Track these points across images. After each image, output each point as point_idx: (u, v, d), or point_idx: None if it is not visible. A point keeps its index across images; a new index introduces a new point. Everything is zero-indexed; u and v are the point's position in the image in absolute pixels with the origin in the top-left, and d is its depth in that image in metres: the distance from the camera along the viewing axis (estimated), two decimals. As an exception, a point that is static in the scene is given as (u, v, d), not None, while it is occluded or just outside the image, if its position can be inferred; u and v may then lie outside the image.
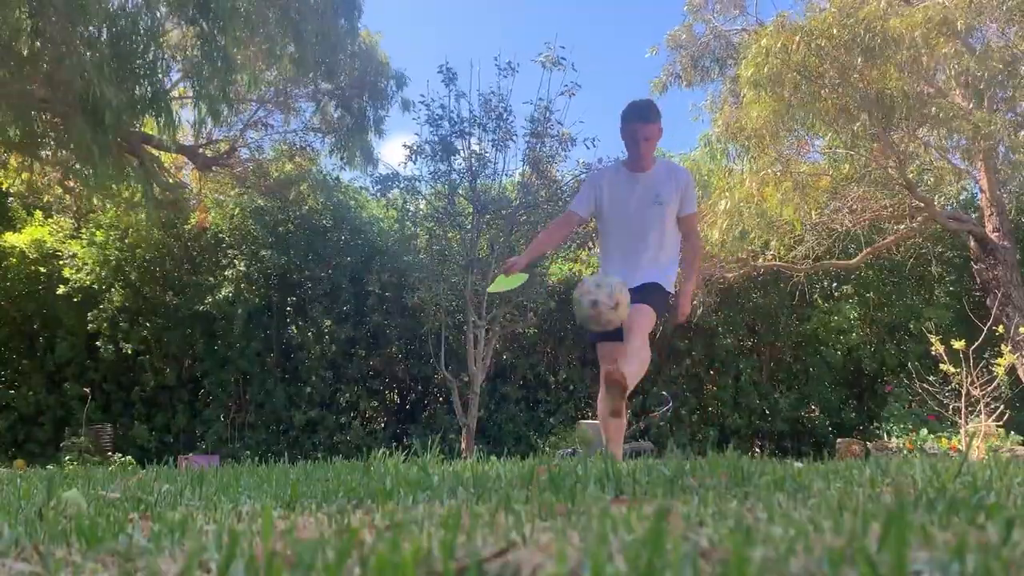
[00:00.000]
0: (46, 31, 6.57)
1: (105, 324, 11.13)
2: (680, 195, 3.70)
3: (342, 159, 11.04)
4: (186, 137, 11.09)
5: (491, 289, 3.58)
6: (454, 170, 10.26)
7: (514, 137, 10.06)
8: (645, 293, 3.59)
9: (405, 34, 30.23)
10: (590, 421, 9.06)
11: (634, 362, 3.39)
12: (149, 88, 7.33)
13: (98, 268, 11.17)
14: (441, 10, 30.68)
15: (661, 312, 3.71)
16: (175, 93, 9.37)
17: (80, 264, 11.21)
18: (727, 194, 9.42)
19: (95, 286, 11.17)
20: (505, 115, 9.92)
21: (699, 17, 12.25)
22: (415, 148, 10.14)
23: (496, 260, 9.60)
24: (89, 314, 11.06)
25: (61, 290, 11.03)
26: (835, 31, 7.96)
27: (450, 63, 9.90)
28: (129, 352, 11.29)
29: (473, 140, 10.10)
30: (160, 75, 7.56)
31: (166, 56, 7.60)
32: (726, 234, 9.27)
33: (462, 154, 10.12)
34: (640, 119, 3.62)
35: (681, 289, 3.80)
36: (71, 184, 10.51)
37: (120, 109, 6.75)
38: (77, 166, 8.36)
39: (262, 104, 10.89)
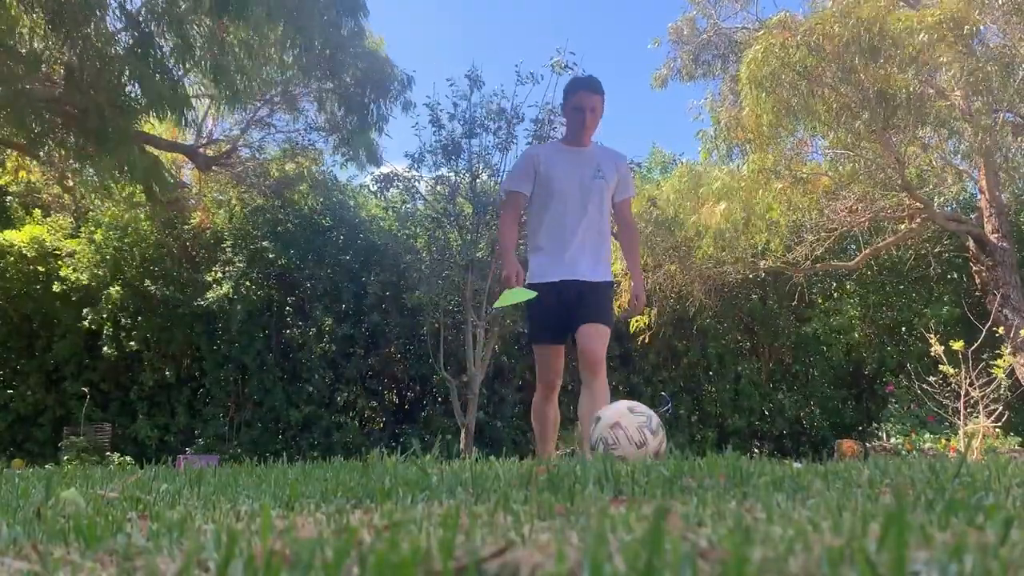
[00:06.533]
0: (63, 27, 6.60)
1: (107, 324, 11.13)
2: (617, 176, 3.60)
3: (345, 157, 11.04)
4: (188, 136, 11.08)
5: (499, 304, 3.37)
6: (456, 171, 10.30)
7: (516, 139, 10.11)
8: (600, 310, 3.39)
9: (404, 29, 30.24)
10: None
11: (602, 404, 3.16)
12: (167, 84, 7.35)
13: (95, 268, 11.17)
14: (437, 3, 30.69)
15: (612, 323, 3.53)
16: (185, 92, 9.38)
17: (77, 263, 11.21)
18: (726, 195, 9.43)
19: (92, 284, 11.17)
20: (514, 120, 9.98)
21: (701, 10, 12.20)
22: (416, 156, 10.21)
23: (496, 260, 9.61)
24: (85, 310, 11.06)
25: (57, 288, 11.02)
26: (836, 29, 7.95)
27: (474, 69, 10.09)
28: (129, 351, 11.29)
29: (475, 142, 10.17)
30: (181, 71, 7.59)
31: (182, 52, 7.61)
32: (726, 235, 9.28)
33: (465, 154, 10.17)
34: (587, 88, 3.54)
35: (634, 281, 3.65)
36: (70, 183, 10.51)
37: (143, 104, 6.84)
38: (76, 165, 8.38)
39: (266, 102, 10.88)
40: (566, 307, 3.38)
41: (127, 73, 6.80)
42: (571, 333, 3.37)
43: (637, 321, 10.10)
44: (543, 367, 3.40)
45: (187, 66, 7.44)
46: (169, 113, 7.40)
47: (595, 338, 3.31)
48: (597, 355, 3.28)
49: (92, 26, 6.75)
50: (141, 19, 7.04)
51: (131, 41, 7.05)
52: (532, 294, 3.28)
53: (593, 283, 3.43)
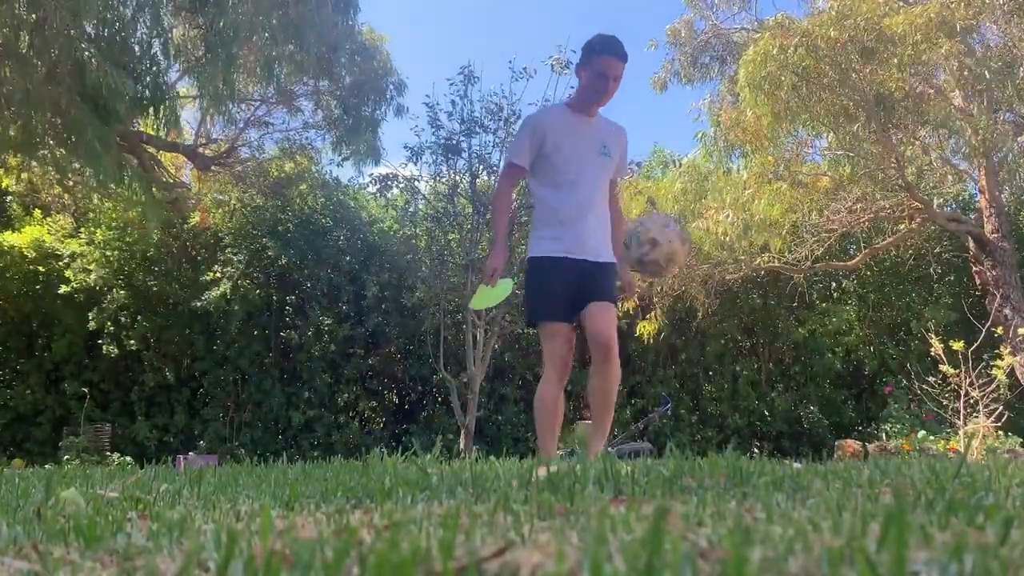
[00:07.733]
0: (46, 26, 6.59)
1: (108, 324, 11.12)
2: (619, 155, 3.31)
3: (343, 157, 11.05)
4: (187, 137, 11.09)
5: (475, 305, 3.18)
6: (455, 170, 10.30)
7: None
8: (609, 289, 3.21)
9: (403, 30, 30.27)
10: (588, 422, 9.05)
11: (615, 391, 3.12)
12: (150, 84, 7.34)
13: (100, 269, 11.16)
14: (439, 4, 30.74)
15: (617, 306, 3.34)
16: (174, 92, 9.37)
17: (84, 266, 11.20)
18: (726, 195, 9.42)
19: (95, 286, 11.16)
20: (512, 119, 9.99)
21: (699, 12, 12.21)
22: (416, 150, 10.19)
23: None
24: (90, 314, 11.05)
25: (63, 290, 11.01)
26: (833, 32, 7.95)
27: (467, 65, 10.19)
28: (128, 351, 11.28)
29: (475, 141, 10.18)
30: (162, 71, 7.58)
31: (169, 52, 7.60)
32: (726, 235, 9.27)
33: (465, 154, 10.18)
34: (615, 54, 3.13)
35: (620, 263, 3.30)
36: (70, 183, 10.50)
37: (129, 102, 6.82)
38: (76, 164, 8.38)
39: (264, 101, 10.89)
40: (575, 287, 3.12)
41: (114, 72, 6.75)
42: (577, 314, 3.14)
43: (644, 328, 10.09)
44: (553, 345, 3.07)
45: (173, 66, 7.45)
46: (153, 114, 7.39)
47: (606, 318, 3.08)
48: (609, 334, 3.05)
49: (83, 22, 6.72)
50: (128, 21, 7.02)
51: (114, 39, 7.03)
52: (508, 291, 3.09)
53: (602, 263, 3.21)
